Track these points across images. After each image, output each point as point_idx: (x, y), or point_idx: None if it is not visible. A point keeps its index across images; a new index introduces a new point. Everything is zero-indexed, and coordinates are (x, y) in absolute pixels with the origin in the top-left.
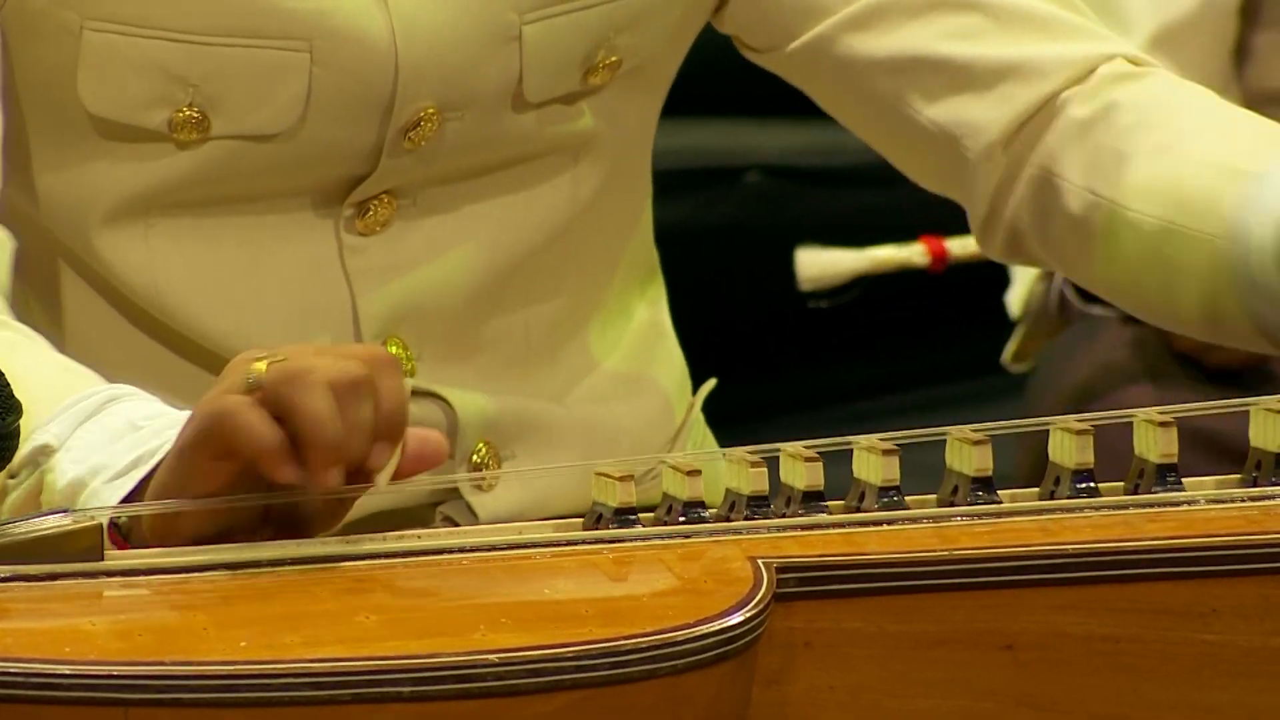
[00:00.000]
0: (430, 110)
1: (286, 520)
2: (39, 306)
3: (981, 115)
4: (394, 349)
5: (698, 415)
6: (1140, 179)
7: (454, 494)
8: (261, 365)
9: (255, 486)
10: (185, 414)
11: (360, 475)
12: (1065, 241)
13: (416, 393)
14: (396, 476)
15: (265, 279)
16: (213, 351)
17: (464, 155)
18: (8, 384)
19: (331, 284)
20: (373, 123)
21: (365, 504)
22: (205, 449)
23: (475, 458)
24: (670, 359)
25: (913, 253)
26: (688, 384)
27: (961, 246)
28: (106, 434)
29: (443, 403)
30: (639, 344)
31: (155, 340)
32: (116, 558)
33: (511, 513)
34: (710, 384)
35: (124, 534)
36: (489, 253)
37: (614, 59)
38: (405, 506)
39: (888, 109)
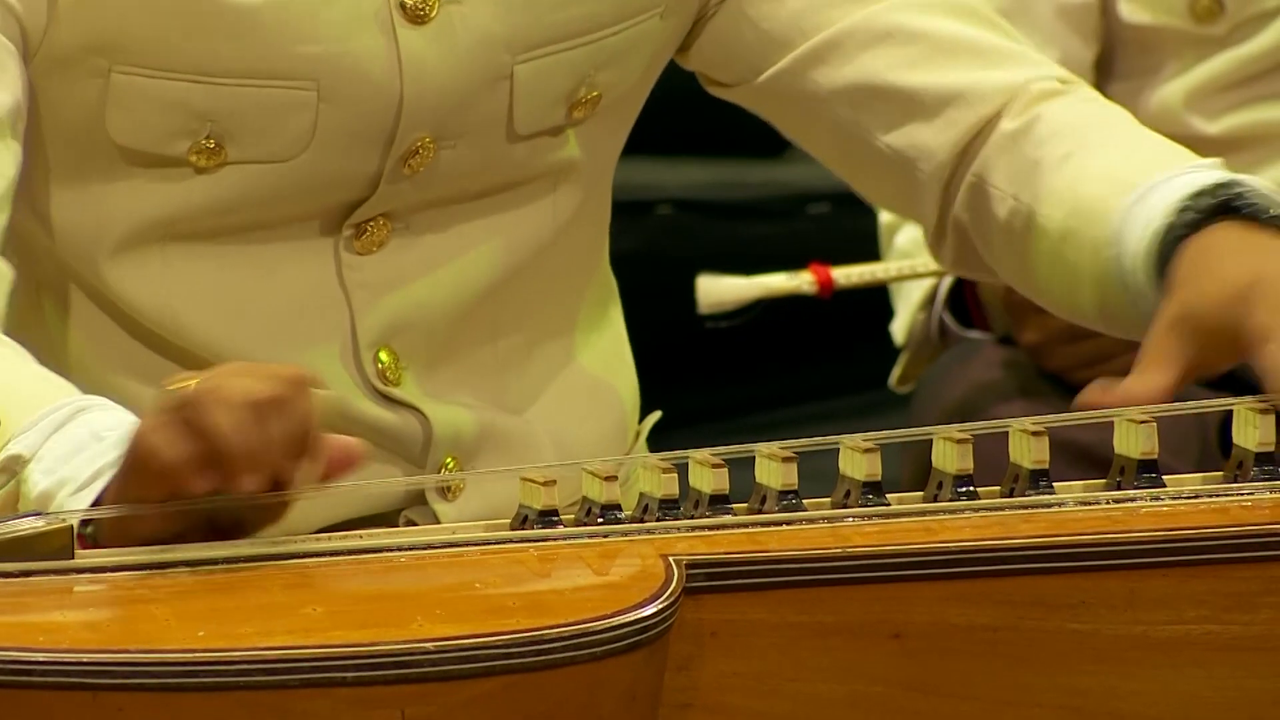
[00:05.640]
0: (427, 140)
1: (232, 526)
2: (54, 317)
3: (930, 139)
4: (386, 358)
5: (643, 443)
6: (1048, 185)
7: (420, 500)
8: (181, 386)
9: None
10: None
11: (285, 486)
12: (995, 244)
13: (399, 404)
14: (320, 482)
15: (272, 296)
16: (216, 364)
17: (456, 181)
18: None
19: (332, 299)
20: (374, 152)
21: (336, 510)
22: (136, 471)
23: (443, 471)
24: (628, 378)
25: (802, 280)
26: (638, 404)
27: (846, 276)
28: (72, 445)
29: (421, 417)
30: (602, 362)
31: (159, 355)
32: (85, 556)
33: (474, 519)
34: (655, 416)
35: (90, 539)
36: (475, 271)
37: (595, 94)
38: (374, 513)
39: (848, 136)
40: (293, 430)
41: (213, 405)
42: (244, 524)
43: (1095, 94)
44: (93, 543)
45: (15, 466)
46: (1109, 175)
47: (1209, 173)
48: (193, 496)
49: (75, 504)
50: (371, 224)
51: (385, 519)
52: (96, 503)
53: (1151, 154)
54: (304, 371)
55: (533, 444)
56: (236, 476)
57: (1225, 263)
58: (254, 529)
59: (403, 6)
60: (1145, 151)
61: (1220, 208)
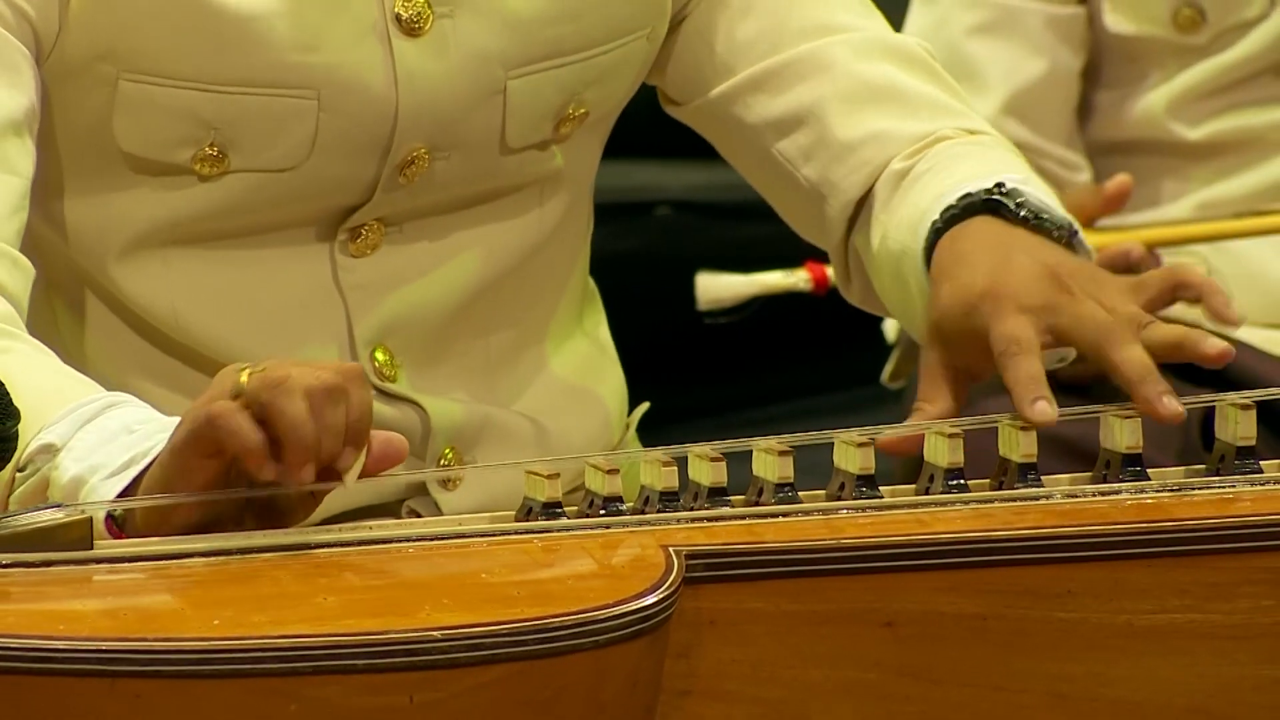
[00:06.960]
0: (422, 151)
1: (266, 512)
2: (65, 316)
3: (842, 178)
4: (382, 356)
5: (633, 434)
6: (903, 209)
7: (422, 491)
8: (245, 375)
9: (237, 482)
10: (174, 420)
11: (330, 473)
12: (869, 271)
13: (398, 399)
14: (363, 475)
15: (270, 297)
16: (221, 363)
17: (448, 190)
18: (7, 392)
19: (328, 300)
20: (371, 161)
21: (343, 500)
22: (196, 449)
23: (442, 461)
24: (613, 377)
25: (798, 278)
26: (626, 401)
27: None
28: (104, 435)
29: (419, 410)
30: (586, 361)
31: (169, 355)
32: (104, 547)
33: (473, 509)
34: (644, 407)
35: (119, 524)
36: (465, 274)
37: (582, 111)
38: (379, 503)
39: (774, 164)
40: (351, 421)
41: (287, 393)
42: (278, 515)
43: (998, 140)
44: (120, 529)
45: (45, 455)
46: (939, 192)
47: (992, 179)
48: (254, 482)
49: (108, 489)
50: (366, 228)
51: (388, 510)
52: (130, 488)
53: (985, 170)
54: (357, 366)
55: (526, 435)
56: (298, 467)
57: (966, 263)
58: (288, 521)
59: (398, 19)
60: (982, 169)
61: (980, 206)
